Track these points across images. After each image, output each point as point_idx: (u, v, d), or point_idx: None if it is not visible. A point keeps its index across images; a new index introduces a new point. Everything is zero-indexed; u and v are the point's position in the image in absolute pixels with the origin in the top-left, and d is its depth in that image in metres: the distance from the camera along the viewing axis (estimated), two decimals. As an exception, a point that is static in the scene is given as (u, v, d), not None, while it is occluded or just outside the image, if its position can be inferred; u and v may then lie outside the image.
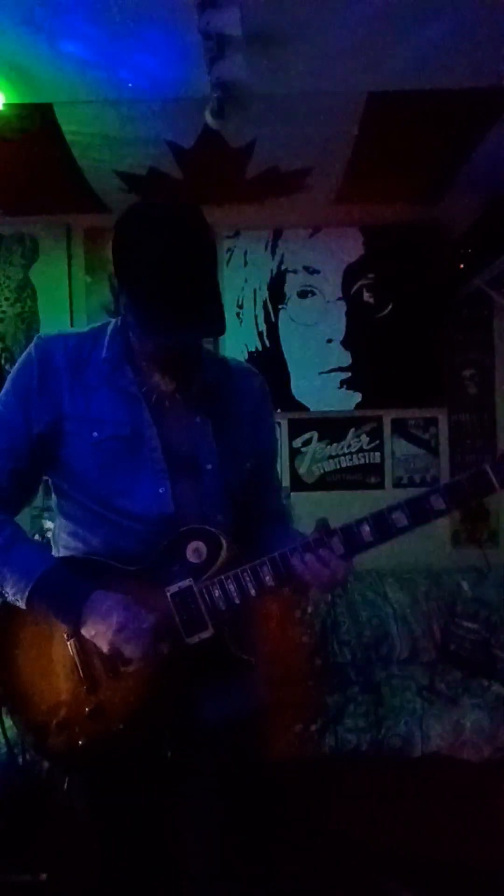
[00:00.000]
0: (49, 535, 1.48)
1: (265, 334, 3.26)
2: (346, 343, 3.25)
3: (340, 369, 3.24)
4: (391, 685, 2.67)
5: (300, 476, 3.28)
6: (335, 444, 3.29)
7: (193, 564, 1.25)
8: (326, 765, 2.38)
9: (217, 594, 1.24)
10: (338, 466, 3.29)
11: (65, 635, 1.25)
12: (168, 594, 1.24)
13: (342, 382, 3.25)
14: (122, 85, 2.13)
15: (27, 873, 2.12)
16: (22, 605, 1.23)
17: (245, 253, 3.24)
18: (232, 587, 1.24)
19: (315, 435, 3.28)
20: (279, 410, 3.13)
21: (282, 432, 3.24)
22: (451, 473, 3.28)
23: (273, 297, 3.26)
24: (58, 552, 1.38)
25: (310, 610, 2.86)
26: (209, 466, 1.32)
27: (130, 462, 1.28)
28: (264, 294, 3.26)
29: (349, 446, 3.29)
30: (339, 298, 3.25)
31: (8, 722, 2.40)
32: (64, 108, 2.27)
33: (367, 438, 3.29)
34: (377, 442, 3.29)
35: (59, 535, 1.39)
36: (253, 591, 1.23)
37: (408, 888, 2.05)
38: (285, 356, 3.25)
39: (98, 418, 1.28)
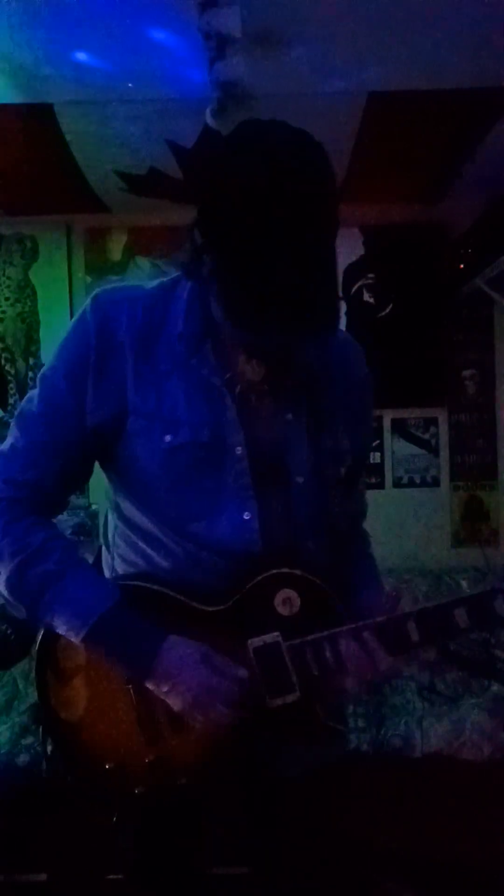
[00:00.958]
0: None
1: (265, 334, 3.25)
2: (346, 343, 3.25)
3: (340, 369, 3.24)
4: (391, 685, 2.67)
5: (300, 476, 3.28)
6: (335, 444, 3.28)
7: (282, 616, 1.04)
8: (326, 765, 2.37)
9: (309, 656, 1.03)
10: (338, 466, 3.28)
11: (125, 681, 1.05)
12: (251, 648, 1.03)
13: (342, 382, 3.24)
14: (122, 85, 2.13)
15: (27, 873, 2.12)
16: (77, 643, 1.02)
17: (245, 253, 3.23)
18: (328, 650, 1.02)
19: (315, 435, 3.28)
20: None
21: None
22: (450, 473, 3.28)
23: (273, 297, 3.25)
24: (112, 562, 1.15)
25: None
26: (300, 479, 1.07)
27: (209, 477, 1.03)
28: (264, 294, 3.25)
29: (349, 446, 3.29)
30: (339, 298, 3.24)
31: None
32: (64, 108, 2.27)
33: (368, 438, 3.29)
34: (377, 442, 3.29)
35: (115, 540, 1.15)
36: (353, 658, 1.02)
37: (408, 888, 2.05)
38: (285, 356, 3.24)
39: (171, 417, 1.01)
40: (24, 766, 2.25)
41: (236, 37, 1.77)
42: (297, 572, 1.05)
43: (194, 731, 1.03)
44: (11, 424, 1.07)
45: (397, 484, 3.28)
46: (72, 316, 3.60)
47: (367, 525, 1.32)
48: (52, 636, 1.06)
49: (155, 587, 1.07)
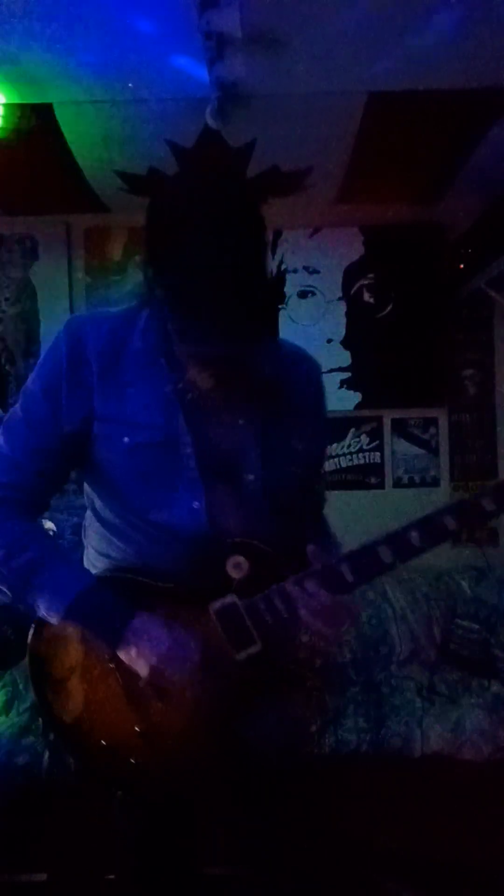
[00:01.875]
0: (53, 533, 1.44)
1: (265, 334, 3.25)
2: (345, 343, 3.25)
3: (340, 369, 3.24)
4: (391, 685, 2.68)
5: (300, 476, 3.28)
6: (335, 444, 3.28)
7: (235, 579, 1.20)
8: (326, 765, 2.38)
9: (263, 608, 1.18)
10: (338, 466, 3.28)
11: (107, 658, 1.20)
12: (212, 611, 1.19)
13: (342, 382, 3.25)
14: (122, 85, 2.13)
15: (27, 873, 2.12)
16: (56, 623, 1.17)
17: (245, 253, 3.23)
18: (278, 601, 1.18)
19: (315, 435, 3.28)
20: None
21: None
22: (450, 473, 3.28)
23: (273, 297, 3.25)
24: (88, 554, 1.33)
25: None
26: (251, 477, 1.22)
27: (164, 472, 1.18)
28: (264, 294, 3.25)
29: (349, 446, 3.29)
30: (339, 298, 3.25)
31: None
32: (64, 108, 2.27)
33: (367, 438, 3.29)
34: (377, 442, 3.29)
35: (90, 534, 1.33)
36: (300, 604, 1.16)
37: (408, 888, 2.05)
38: (285, 356, 3.25)
39: (130, 421, 1.17)
40: (24, 766, 2.24)
41: (236, 37, 1.77)
42: (242, 540, 1.20)
43: (176, 697, 1.18)
44: None
45: (397, 484, 3.28)
46: (72, 316, 3.51)
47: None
48: (43, 628, 1.23)
49: (127, 576, 1.23)
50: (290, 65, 2.02)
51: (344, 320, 3.25)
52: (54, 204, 3.07)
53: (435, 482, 3.28)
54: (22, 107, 2.23)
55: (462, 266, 3.00)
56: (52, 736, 1.41)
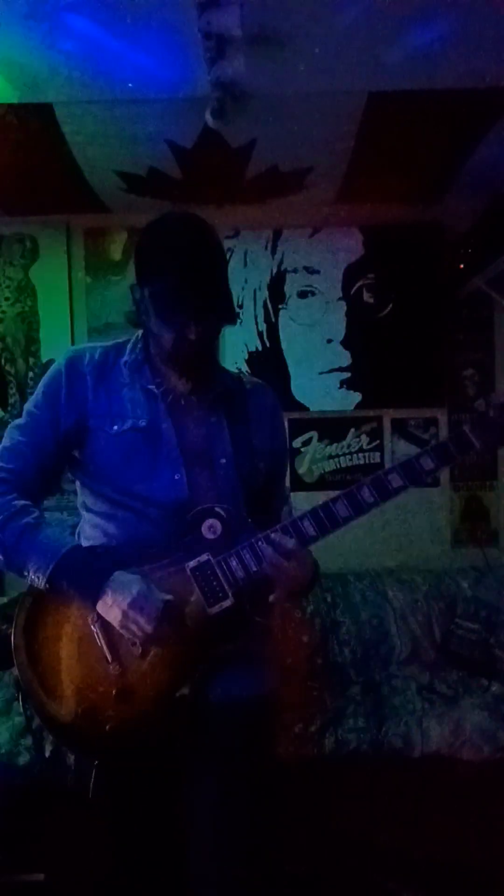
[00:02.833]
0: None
1: (265, 334, 3.25)
2: (346, 343, 3.25)
3: (340, 369, 3.24)
4: (391, 685, 2.67)
5: (300, 476, 3.27)
6: (335, 444, 3.28)
7: (210, 540, 1.35)
8: (326, 765, 2.38)
9: (234, 564, 1.32)
10: (338, 466, 3.28)
11: (89, 619, 1.32)
12: (188, 569, 1.33)
13: (342, 382, 3.25)
14: (122, 85, 2.13)
15: (26, 873, 2.12)
16: (42, 583, 1.31)
17: (245, 253, 3.23)
18: (248, 556, 1.32)
19: (315, 435, 3.28)
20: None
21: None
22: (450, 473, 3.28)
23: (273, 297, 3.25)
24: (78, 541, 1.47)
25: (310, 610, 2.86)
26: (223, 461, 1.42)
27: (148, 452, 1.38)
28: (264, 294, 3.25)
29: (349, 446, 3.29)
30: (340, 298, 3.25)
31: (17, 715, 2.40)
32: (64, 108, 2.27)
33: (367, 438, 3.29)
34: (377, 442, 3.29)
35: (82, 528, 1.49)
36: (269, 558, 1.30)
37: (408, 888, 2.06)
38: (285, 356, 3.24)
39: (119, 414, 1.40)
40: (24, 766, 2.24)
41: (236, 37, 1.77)
42: (216, 505, 1.36)
43: (153, 654, 1.31)
44: (4, 434, 1.44)
45: (397, 484, 3.28)
46: (72, 316, 3.61)
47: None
48: (27, 598, 1.39)
49: (106, 545, 1.40)
50: (290, 65, 2.02)
51: (344, 320, 3.25)
52: (54, 204, 3.07)
53: (435, 482, 3.26)
54: (22, 107, 2.22)
55: (462, 266, 3.00)
56: (30, 712, 1.47)
